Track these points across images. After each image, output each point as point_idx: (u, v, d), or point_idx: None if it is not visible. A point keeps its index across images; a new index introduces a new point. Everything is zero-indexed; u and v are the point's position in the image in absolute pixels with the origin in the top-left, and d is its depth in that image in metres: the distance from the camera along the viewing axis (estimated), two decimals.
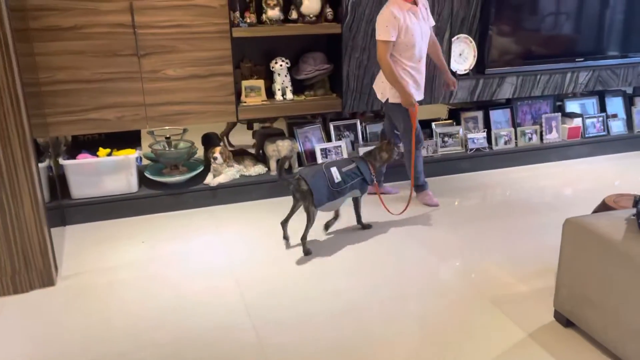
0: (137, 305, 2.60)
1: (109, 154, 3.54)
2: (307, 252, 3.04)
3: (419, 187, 3.73)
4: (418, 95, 3.43)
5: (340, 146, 4.08)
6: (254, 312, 2.53)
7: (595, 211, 2.77)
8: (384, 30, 3.20)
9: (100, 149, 3.56)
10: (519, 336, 2.31)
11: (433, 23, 3.50)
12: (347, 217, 3.46)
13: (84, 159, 3.48)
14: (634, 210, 2.14)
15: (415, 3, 3.30)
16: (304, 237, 3.04)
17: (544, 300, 2.53)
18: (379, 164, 3.27)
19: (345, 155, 4.06)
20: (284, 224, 3.19)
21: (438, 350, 2.24)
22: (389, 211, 3.43)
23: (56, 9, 3.14)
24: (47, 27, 3.15)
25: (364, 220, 3.37)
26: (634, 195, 2.39)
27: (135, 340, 2.33)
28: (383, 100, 3.49)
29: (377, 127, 4.33)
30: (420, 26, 3.30)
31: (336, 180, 3.02)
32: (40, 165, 3.12)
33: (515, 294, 2.64)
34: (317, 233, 3.31)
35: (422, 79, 3.45)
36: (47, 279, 2.77)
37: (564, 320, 2.33)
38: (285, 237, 3.20)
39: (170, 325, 2.44)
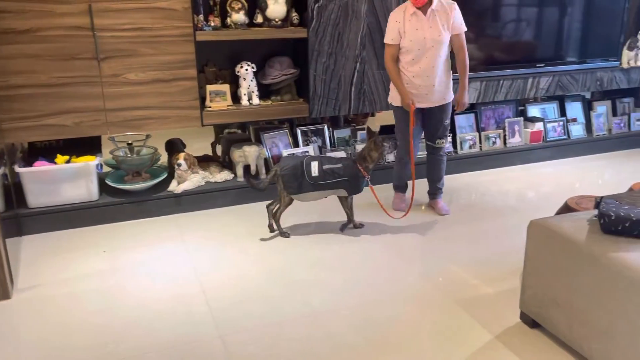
0: (97, 317, 2.50)
1: (68, 161, 3.42)
2: (282, 234, 3.26)
3: (395, 187, 3.82)
4: (417, 101, 3.35)
5: (307, 152, 4.05)
6: (220, 321, 2.46)
7: (558, 213, 2.82)
8: (386, 33, 3.32)
9: (59, 155, 3.44)
10: (485, 338, 2.31)
11: (458, 31, 3.28)
12: (295, 220, 3.43)
13: (41, 167, 3.35)
14: (596, 212, 2.18)
15: (424, 8, 3.19)
16: (276, 218, 3.26)
17: (510, 302, 2.56)
18: (370, 164, 3.20)
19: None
20: (269, 207, 3.32)
21: (405, 355, 2.23)
22: (390, 215, 3.45)
23: (10, 11, 3.03)
24: (1, 30, 3.03)
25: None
26: (595, 197, 2.44)
27: (95, 354, 2.24)
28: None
29: (344, 132, 4.33)
30: (424, 32, 3.20)
31: (313, 174, 3.07)
32: None
33: (481, 297, 2.65)
34: (282, 239, 3.27)
35: (423, 86, 3.30)
36: (1, 292, 2.65)
37: (530, 321, 2.36)
38: (269, 225, 3.35)
39: (133, 337, 2.35)
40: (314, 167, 3.09)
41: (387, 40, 3.30)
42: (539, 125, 4.71)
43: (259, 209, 3.71)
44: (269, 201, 3.34)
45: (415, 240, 3.27)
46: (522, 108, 4.91)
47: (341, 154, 4.09)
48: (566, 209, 2.83)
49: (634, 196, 2.47)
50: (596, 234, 2.07)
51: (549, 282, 2.20)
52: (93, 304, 2.61)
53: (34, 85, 3.17)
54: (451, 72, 3.42)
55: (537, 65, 4.49)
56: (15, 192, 3.38)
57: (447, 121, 3.51)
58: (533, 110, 4.91)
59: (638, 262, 1.86)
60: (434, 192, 3.73)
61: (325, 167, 3.10)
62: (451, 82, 3.44)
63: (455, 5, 3.27)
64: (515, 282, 2.72)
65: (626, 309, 1.86)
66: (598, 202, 2.19)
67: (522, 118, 4.72)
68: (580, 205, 2.78)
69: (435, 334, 2.36)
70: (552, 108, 4.98)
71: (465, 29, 3.30)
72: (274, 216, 3.27)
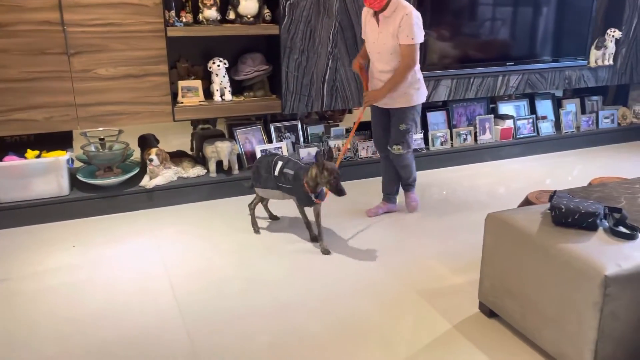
0: (65, 311, 2.52)
1: (38, 156, 3.42)
2: (253, 225, 3.33)
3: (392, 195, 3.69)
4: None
5: (280, 147, 4.09)
6: (187, 314, 2.50)
7: (519, 207, 2.90)
8: None
9: (29, 150, 3.44)
10: (444, 328, 2.38)
11: (401, 41, 3.08)
12: (289, 214, 3.48)
13: (11, 162, 3.34)
14: (549, 205, 2.26)
15: (378, 13, 3.12)
16: (250, 207, 3.35)
17: (470, 293, 2.63)
18: (312, 183, 2.96)
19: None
20: (265, 206, 3.46)
21: (367, 344, 2.29)
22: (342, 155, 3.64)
23: None
24: None
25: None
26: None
27: (62, 346, 2.26)
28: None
29: (318, 129, 4.38)
30: (374, 36, 3.18)
31: (275, 173, 3.10)
32: None
33: (443, 288, 2.72)
34: (255, 236, 3.32)
35: (373, 84, 3.33)
36: None
37: (488, 311, 2.43)
38: (271, 217, 3.51)
39: (99, 330, 2.38)
40: (278, 166, 3.10)
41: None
42: (509, 123, 4.81)
43: (231, 204, 3.75)
44: (240, 197, 3.40)
45: (384, 235, 3.33)
46: (493, 105, 5.01)
47: (314, 149, 4.13)
48: (527, 203, 2.92)
49: (589, 190, 2.56)
50: (548, 226, 2.15)
51: (505, 273, 2.27)
52: (61, 298, 2.63)
53: (3, 80, 3.17)
54: (414, 78, 3.25)
55: (507, 63, 4.58)
56: None
57: (404, 127, 3.31)
58: (504, 108, 5.01)
59: (585, 253, 1.94)
60: (403, 185, 3.66)
61: (284, 170, 3.08)
62: (414, 89, 3.26)
63: (409, 14, 3.04)
64: (477, 275, 2.79)
65: (573, 297, 1.94)
66: (552, 195, 2.26)
67: (492, 115, 4.81)
68: (540, 199, 2.86)
69: (396, 325, 2.42)
70: (522, 106, 5.08)
71: (411, 42, 3.06)
72: (249, 206, 3.35)
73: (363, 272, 2.88)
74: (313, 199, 3.02)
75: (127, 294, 2.66)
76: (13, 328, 2.39)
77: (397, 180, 3.62)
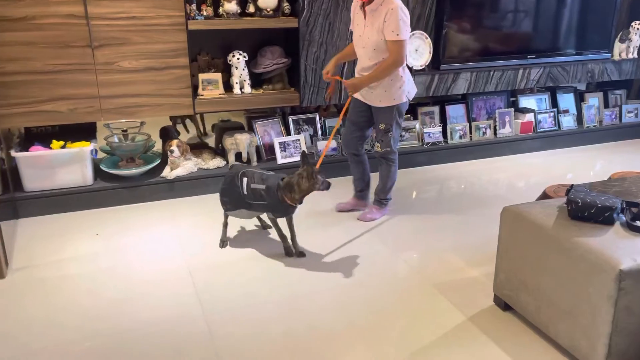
0: (87, 297, 2.60)
1: (63, 147, 3.51)
2: (221, 243, 3.07)
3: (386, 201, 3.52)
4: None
5: (298, 140, 4.13)
6: (205, 302, 2.56)
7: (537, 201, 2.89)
8: None
9: (54, 141, 3.53)
10: (459, 320, 2.40)
11: (386, 37, 2.96)
12: (304, 208, 3.52)
13: (37, 152, 3.44)
14: (566, 199, 2.25)
15: (365, 7, 3.02)
16: (224, 222, 3.08)
17: (486, 286, 2.64)
18: (297, 194, 2.77)
19: (303, 147, 4.10)
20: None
21: (379, 335, 2.31)
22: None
23: None
24: None
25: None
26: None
27: (82, 331, 2.34)
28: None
29: (336, 122, 4.39)
30: (360, 30, 3.09)
31: (244, 192, 2.84)
32: None
33: (459, 281, 2.73)
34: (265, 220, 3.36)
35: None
36: None
37: (503, 304, 2.44)
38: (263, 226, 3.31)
39: (121, 316, 2.45)
40: (244, 183, 2.83)
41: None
42: (529, 116, 4.76)
43: None
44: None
45: (400, 228, 3.35)
46: (513, 99, 4.96)
47: (332, 142, 4.15)
48: (544, 197, 2.91)
49: (607, 184, 2.54)
50: (564, 220, 2.14)
51: (519, 266, 2.27)
52: (83, 285, 2.71)
53: (30, 72, 3.25)
54: (397, 76, 3.09)
55: (529, 56, 4.53)
56: (12, 176, 3.47)
57: (383, 126, 3.20)
58: (525, 102, 4.96)
59: (600, 247, 1.94)
60: (375, 195, 3.48)
61: (252, 186, 2.81)
62: (395, 87, 3.11)
63: (395, 9, 2.91)
64: (493, 268, 2.80)
65: (587, 290, 1.94)
66: (569, 189, 2.26)
67: (512, 109, 4.77)
68: (557, 193, 2.84)
69: (410, 316, 2.45)
70: (544, 99, 5.02)
71: (397, 37, 2.93)
72: (223, 223, 3.07)
73: (379, 264, 2.90)
74: (297, 205, 2.84)
75: (147, 282, 2.73)
76: (36, 314, 2.47)
77: (365, 179, 3.49)
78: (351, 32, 3.24)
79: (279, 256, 2.99)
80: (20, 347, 2.23)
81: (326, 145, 3.37)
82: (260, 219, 3.30)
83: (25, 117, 3.35)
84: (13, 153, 3.40)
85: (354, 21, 3.18)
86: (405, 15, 2.97)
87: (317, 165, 2.92)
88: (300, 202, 2.85)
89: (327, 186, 2.86)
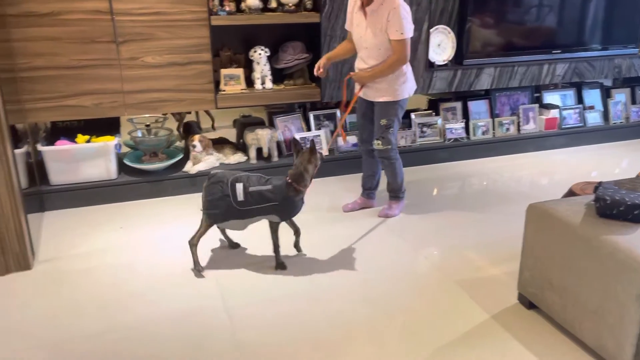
0: (111, 289, 2.63)
1: (88, 141, 3.56)
2: (197, 268, 2.74)
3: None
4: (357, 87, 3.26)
5: (319, 135, 4.12)
6: (227, 295, 2.57)
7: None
8: None
9: (79, 135, 3.58)
10: (482, 318, 2.37)
11: (390, 36, 2.95)
12: (317, 203, 3.51)
13: (63, 146, 3.50)
14: (594, 196, 2.20)
15: (365, 7, 2.99)
16: (192, 243, 2.75)
17: (510, 284, 2.60)
18: (308, 180, 2.71)
19: (324, 146, 4.10)
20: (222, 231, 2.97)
21: (401, 330, 2.30)
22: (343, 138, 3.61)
23: None
24: (24, 13, 3.15)
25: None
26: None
27: (107, 323, 2.37)
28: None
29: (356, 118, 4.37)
30: (361, 30, 3.06)
31: (239, 199, 2.61)
32: (17, 151, 3.14)
33: (482, 278, 2.70)
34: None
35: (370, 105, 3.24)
36: (23, 263, 2.80)
37: (527, 303, 2.40)
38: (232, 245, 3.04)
39: (144, 308, 2.48)
40: (239, 189, 2.60)
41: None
42: (554, 112, 4.68)
43: None
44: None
45: (421, 224, 3.33)
46: (538, 95, 4.88)
47: (352, 137, 4.13)
48: (571, 194, 2.85)
49: (636, 182, 2.48)
50: (591, 218, 2.10)
51: (545, 264, 2.24)
52: (107, 277, 2.75)
53: (55, 67, 3.30)
54: (401, 71, 3.09)
55: (554, 51, 4.45)
56: (38, 169, 3.54)
57: (384, 122, 3.15)
58: (550, 97, 4.88)
59: (629, 245, 1.90)
60: (389, 192, 3.44)
61: (251, 189, 2.61)
62: (399, 83, 3.10)
63: (397, 7, 2.89)
64: (517, 266, 2.76)
65: (615, 289, 1.90)
66: (597, 186, 2.21)
67: (537, 105, 4.70)
68: (584, 191, 2.79)
69: (432, 312, 2.43)
70: (569, 95, 4.93)
71: (401, 37, 2.92)
72: (192, 239, 2.76)
73: (399, 261, 2.89)
74: (303, 197, 2.73)
75: (169, 275, 2.75)
76: (61, 305, 2.51)
77: (375, 177, 3.48)
78: (349, 32, 3.19)
79: (302, 251, 2.99)
80: (47, 337, 2.27)
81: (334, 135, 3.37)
82: (225, 235, 3.02)
83: (51, 112, 3.40)
84: (39, 147, 3.46)
85: (353, 21, 3.12)
86: (407, 12, 2.96)
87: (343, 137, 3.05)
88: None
89: (322, 159, 2.85)
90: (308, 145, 2.77)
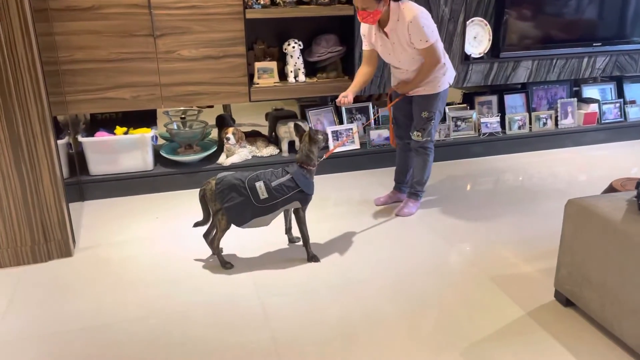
0: (148, 277, 2.70)
1: (126, 133, 3.65)
2: (224, 265, 2.77)
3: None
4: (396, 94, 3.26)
5: (351, 129, 4.12)
6: (260, 284, 2.61)
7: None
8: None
9: (118, 127, 3.67)
10: (517, 314, 2.34)
11: (420, 46, 2.91)
12: (349, 196, 3.51)
13: (102, 137, 3.59)
14: (635, 192, 2.14)
15: (383, 27, 2.95)
16: (215, 246, 2.77)
17: (546, 281, 2.56)
18: (316, 159, 2.80)
19: (356, 139, 4.10)
20: (206, 237, 2.84)
21: (435, 326, 2.29)
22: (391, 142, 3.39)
23: None
24: (66, 7, 3.24)
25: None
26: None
27: (145, 309, 2.43)
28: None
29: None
30: (387, 49, 3.03)
31: (262, 197, 2.63)
32: (59, 141, 3.24)
33: (517, 274, 2.66)
34: (323, 207, 3.38)
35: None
36: (64, 250, 2.89)
37: (564, 300, 2.36)
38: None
39: (180, 295, 2.53)
40: (261, 189, 2.63)
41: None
42: (593, 107, 4.56)
43: None
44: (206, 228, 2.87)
45: (454, 219, 3.29)
46: (577, 89, 4.76)
47: (384, 131, 4.11)
48: (611, 190, 2.78)
49: None
50: (632, 214, 2.04)
51: (583, 261, 2.19)
52: (144, 265, 2.82)
53: (95, 60, 3.38)
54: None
55: (594, 44, 4.33)
56: (79, 160, 3.64)
57: (426, 114, 3.13)
58: (589, 91, 4.75)
59: None
60: (410, 188, 3.42)
61: (274, 184, 2.65)
62: (439, 75, 3.06)
63: (414, 19, 2.82)
64: (554, 262, 2.70)
65: None
66: (639, 182, 2.15)
67: (575, 99, 4.58)
68: (625, 187, 2.72)
69: (467, 308, 2.41)
70: (609, 89, 4.80)
71: (425, 45, 2.89)
72: (212, 245, 2.79)
73: (432, 255, 2.87)
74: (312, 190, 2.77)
75: (204, 264, 2.81)
76: (102, 291, 2.59)
77: (409, 171, 3.43)
78: (367, 51, 3.12)
79: (332, 242, 3.00)
80: (89, 321, 2.35)
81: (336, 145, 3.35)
82: (289, 234, 3.04)
83: (91, 104, 3.49)
84: (80, 138, 3.56)
85: (375, 42, 3.06)
86: (425, 19, 2.87)
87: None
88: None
89: (326, 138, 2.90)
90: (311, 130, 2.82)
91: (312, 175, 2.80)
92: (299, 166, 2.76)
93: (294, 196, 2.71)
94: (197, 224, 2.83)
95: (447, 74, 3.11)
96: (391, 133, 3.38)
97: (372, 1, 2.79)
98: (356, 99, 4.28)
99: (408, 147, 3.37)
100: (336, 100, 3.07)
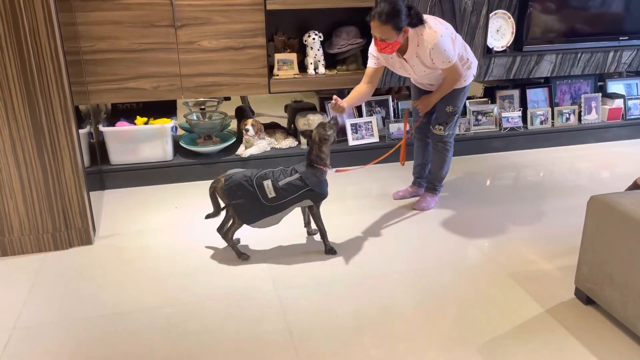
0: (167, 266, 2.72)
1: (146, 123, 3.68)
2: (240, 256, 2.78)
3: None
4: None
5: (370, 122, 4.09)
6: (277, 276, 2.61)
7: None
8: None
9: (138, 117, 3.70)
10: (536, 311, 2.31)
11: (443, 67, 2.85)
12: (367, 190, 3.50)
13: (122, 127, 3.62)
14: None
15: (401, 53, 2.88)
16: (229, 238, 2.75)
17: (566, 279, 2.52)
18: (327, 159, 2.72)
19: (375, 133, 4.07)
20: (220, 230, 2.80)
21: (454, 321, 2.27)
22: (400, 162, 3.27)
23: None
24: None
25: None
26: None
27: (162, 298, 2.46)
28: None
29: (407, 103, 4.32)
30: (407, 70, 2.99)
31: (269, 195, 2.61)
32: (81, 131, 3.28)
33: (537, 271, 2.63)
34: (340, 202, 3.37)
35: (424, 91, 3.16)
36: (85, 238, 2.93)
37: (585, 298, 2.32)
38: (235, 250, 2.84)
39: (196, 285, 2.55)
40: (268, 187, 2.61)
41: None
42: (618, 102, 4.46)
43: None
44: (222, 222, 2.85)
45: (473, 214, 3.26)
46: (601, 84, 4.67)
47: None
48: (635, 187, 2.72)
49: None
50: None
51: (605, 259, 2.15)
52: (163, 254, 2.84)
53: (117, 50, 3.41)
54: (463, 59, 2.97)
55: (621, 38, 4.23)
56: (100, 149, 3.69)
57: (451, 109, 3.08)
58: (614, 87, 4.65)
59: None
60: (428, 184, 3.40)
61: (281, 183, 2.62)
62: (463, 70, 2.99)
63: (435, 45, 2.74)
64: (574, 260, 2.65)
65: None
66: None
67: (600, 94, 4.49)
68: None
69: (484, 304, 2.38)
70: (635, 84, 4.69)
71: (448, 65, 2.82)
72: (226, 237, 2.76)
73: (450, 251, 2.85)
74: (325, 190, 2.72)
75: (221, 254, 2.82)
76: (121, 279, 2.62)
77: (428, 165, 3.38)
78: (372, 69, 3.01)
79: (350, 235, 3.00)
80: (108, 309, 2.38)
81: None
82: (308, 227, 3.01)
83: (112, 94, 3.52)
84: (101, 127, 3.60)
85: (391, 65, 2.99)
86: (446, 37, 2.76)
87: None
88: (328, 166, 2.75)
89: (337, 123, 2.80)
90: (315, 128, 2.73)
91: (324, 174, 2.72)
92: (310, 165, 2.70)
93: (304, 195, 2.66)
94: (208, 216, 2.84)
95: (471, 69, 3.06)
96: (402, 152, 3.25)
97: (392, 32, 2.68)
98: (376, 92, 4.26)
99: (427, 141, 3.33)
100: (331, 103, 2.92)
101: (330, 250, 2.81)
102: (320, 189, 2.70)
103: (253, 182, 2.61)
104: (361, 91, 3.01)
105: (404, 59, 2.88)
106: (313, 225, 2.98)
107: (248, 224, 2.68)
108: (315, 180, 2.67)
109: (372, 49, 2.95)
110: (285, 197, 2.63)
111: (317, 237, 2.96)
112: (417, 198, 3.42)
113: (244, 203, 2.62)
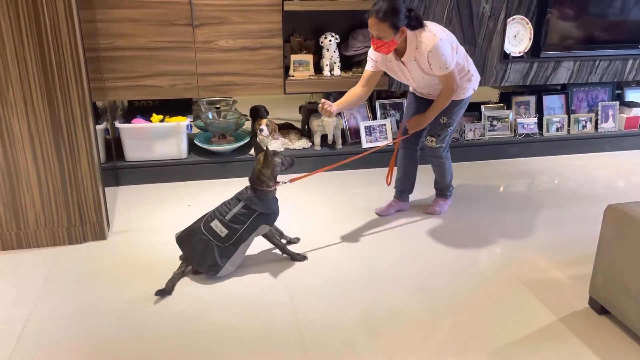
0: (178, 263, 2.72)
1: (162, 120, 3.70)
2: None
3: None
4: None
5: (384, 125, 4.09)
6: (289, 276, 2.62)
7: None
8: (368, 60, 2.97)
9: (154, 115, 3.72)
10: (549, 320, 2.29)
11: (440, 73, 2.77)
12: (388, 193, 3.49)
13: (138, 124, 3.65)
14: None
15: (399, 55, 2.82)
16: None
17: (580, 288, 2.50)
18: (270, 181, 2.61)
19: (389, 135, 4.07)
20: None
21: (463, 326, 2.26)
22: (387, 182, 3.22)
23: None
24: None
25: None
26: None
27: (174, 295, 2.47)
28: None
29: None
30: (405, 75, 2.92)
31: (222, 235, 2.53)
32: (97, 127, 3.30)
33: (550, 279, 2.61)
34: (354, 202, 3.37)
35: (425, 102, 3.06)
36: (99, 233, 2.96)
37: (599, 308, 2.30)
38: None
39: (209, 282, 2.56)
40: (218, 227, 2.52)
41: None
42: (636, 111, 4.41)
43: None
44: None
45: (486, 220, 3.24)
46: (619, 92, 4.62)
47: None
48: None
49: None
50: None
51: (621, 269, 2.13)
52: (175, 251, 2.84)
53: (135, 48, 3.44)
54: (463, 70, 2.92)
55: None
56: (115, 146, 3.72)
57: (445, 120, 3.01)
58: (633, 95, 4.61)
59: None
60: (437, 190, 3.38)
61: (227, 217, 2.54)
62: (463, 81, 2.96)
63: (434, 49, 2.68)
64: (588, 269, 2.61)
65: None
66: None
67: (617, 102, 4.45)
68: None
69: (496, 310, 2.37)
70: None
71: (445, 72, 2.76)
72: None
73: (464, 255, 2.83)
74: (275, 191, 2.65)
75: None
76: (134, 274, 2.64)
77: (412, 179, 3.28)
78: (370, 72, 2.93)
79: (361, 237, 2.99)
80: (120, 304, 2.40)
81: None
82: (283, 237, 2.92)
83: (129, 91, 3.55)
84: (117, 124, 3.63)
85: (389, 68, 2.92)
86: (445, 42, 2.71)
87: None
88: (277, 182, 2.67)
89: (291, 163, 2.70)
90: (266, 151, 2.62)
91: (269, 193, 2.62)
92: (252, 189, 2.61)
93: (256, 221, 2.57)
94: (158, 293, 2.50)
95: (471, 82, 2.99)
96: (390, 171, 3.20)
97: (389, 30, 2.62)
98: (391, 95, 4.26)
99: (414, 154, 3.22)
100: (319, 106, 2.86)
101: (296, 257, 2.75)
102: (269, 209, 2.61)
103: (202, 230, 2.54)
104: (355, 94, 2.94)
105: (402, 62, 2.84)
106: (288, 234, 2.93)
107: (217, 274, 2.55)
108: (260, 203, 2.58)
109: (372, 52, 2.89)
110: (238, 230, 2.54)
111: (299, 243, 2.93)
112: (429, 204, 3.39)
113: (201, 254, 2.53)
